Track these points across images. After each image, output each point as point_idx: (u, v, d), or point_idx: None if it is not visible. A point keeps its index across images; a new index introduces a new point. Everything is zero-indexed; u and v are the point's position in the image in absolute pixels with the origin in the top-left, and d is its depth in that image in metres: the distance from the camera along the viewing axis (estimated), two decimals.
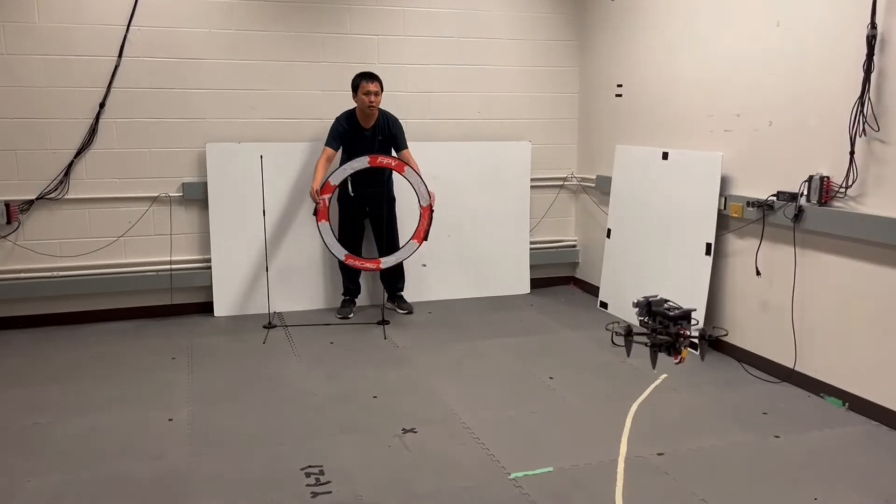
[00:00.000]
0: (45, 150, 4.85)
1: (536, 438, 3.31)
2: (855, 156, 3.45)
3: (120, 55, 4.88)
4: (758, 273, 4.10)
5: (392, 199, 5.20)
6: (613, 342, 3.14)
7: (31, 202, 4.87)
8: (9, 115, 4.75)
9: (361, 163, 4.77)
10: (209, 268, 5.21)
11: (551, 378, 4.03)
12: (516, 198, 5.80)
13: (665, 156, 4.78)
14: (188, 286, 5.21)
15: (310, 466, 3.03)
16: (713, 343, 4.42)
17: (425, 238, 4.91)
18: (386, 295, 5.34)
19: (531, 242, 5.91)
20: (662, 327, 2.83)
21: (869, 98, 3.37)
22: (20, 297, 4.90)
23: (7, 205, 4.78)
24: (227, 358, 4.39)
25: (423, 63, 5.50)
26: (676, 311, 2.83)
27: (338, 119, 4.95)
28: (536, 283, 5.96)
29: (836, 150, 3.55)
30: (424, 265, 5.59)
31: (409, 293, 5.46)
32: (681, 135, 4.72)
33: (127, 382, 3.98)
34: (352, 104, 4.96)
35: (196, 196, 5.15)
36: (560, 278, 6.17)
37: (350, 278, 5.29)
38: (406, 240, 5.03)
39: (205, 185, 5.12)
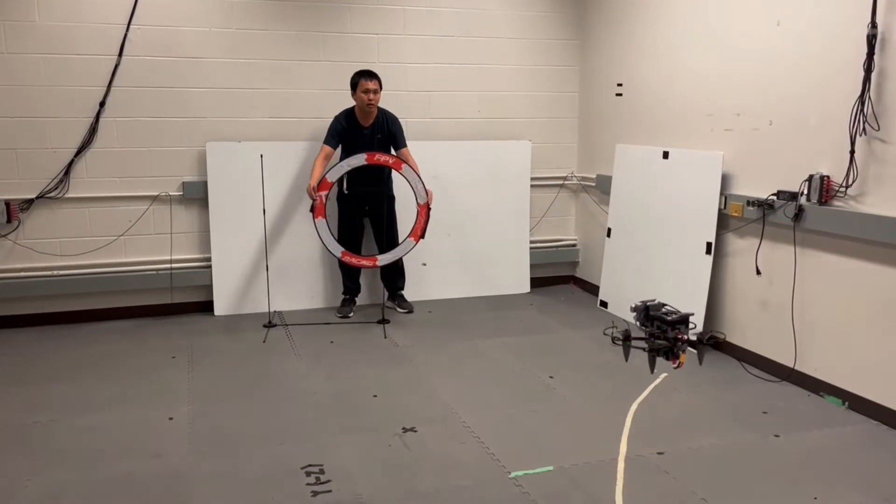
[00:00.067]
0: (45, 148, 4.85)
1: (536, 437, 3.31)
2: (855, 155, 3.45)
3: (120, 54, 4.88)
4: (758, 272, 4.10)
5: (392, 198, 5.20)
6: (613, 342, 3.14)
7: (31, 201, 4.88)
8: (9, 113, 4.75)
9: (359, 160, 4.77)
10: (209, 267, 5.21)
11: (551, 377, 4.03)
12: (516, 197, 5.80)
13: (665, 155, 4.78)
14: (188, 285, 5.22)
15: (310, 465, 3.03)
16: (713, 343, 4.43)
17: (422, 236, 4.91)
18: (386, 294, 5.34)
19: (531, 241, 5.91)
20: (660, 332, 2.82)
21: (869, 97, 3.36)
22: (20, 296, 4.91)
23: (7, 204, 4.78)
24: (227, 357, 4.39)
25: (424, 62, 5.50)
26: (674, 316, 2.82)
27: (337, 117, 4.95)
28: (536, 283, 5.96)
29: (837, 150, 3.55)
30: (424, 264, 5.59)
31: (410, 292, 5.46)
32: (681, 134, 4.72)
33: (127, 381, 3.98)
34: (352, 103, 4.96)
35: (196, 195, 5.15)
36: (560, 277, 6.17)
37: (350, 277, 5.29)
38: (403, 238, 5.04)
39: (205, 184, 5.12)
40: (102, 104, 4.90)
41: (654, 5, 4.94)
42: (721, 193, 4.29)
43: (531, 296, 5.80)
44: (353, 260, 4.97)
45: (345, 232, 5.13)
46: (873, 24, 3.31)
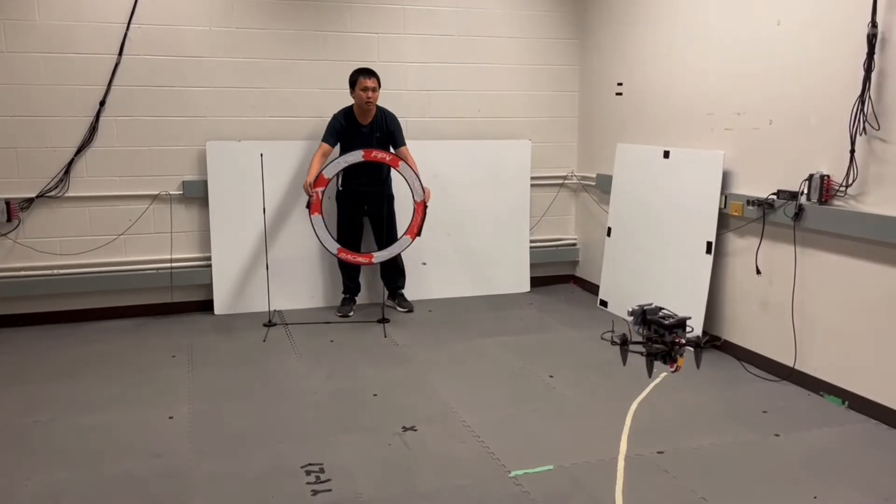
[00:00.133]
0: (45, 147, 4.85)
1: (536, 437, 3.31)
2: (855, 154, 3.45)
3: (120, 53, 4.88)
4: (758, 272, 4.10)
5: (391, 197, 5.20)
6: (612, 344, 3.14)
7: (31, 200, 4.88)
8: (9, 112, 4.75)
9: (356, 156, 4.77)
10: (209, 266, 5.21)
11: (551, 376, 4.03)
12: (516, 196, 5.80)
13: (666, 154, 4.78)
14: (188, 284, 5.22)
15: (310, 464, 3.03)
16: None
17: (418, 233, 4.91)
18: (386, 293, 5.34)
19: (531, 241, 5.91)
20: (658, 336, 2.82)
21: (869, 97, 3.36)
22: (20, 295, 4.90)
23: (7, 203, 4.78)
24: (227, 356, 4.39)
25: (424, 61, 5.50)
26: (671, 320, 2.82)
27: (335, 116, 4.95)
28: (536, 282, 5.96)
29: (837, 149, 3.55)
30: (425, 263, 5.60)
31: (410, 291, 5.46)
32: (681, 133, 4.72)
33: (127, 381, 3.98)
34: (351, 101, 4.96)
35: (196, 194, 5.15)
36: (560, 277, 6.17)
37: (349, 276, 5.29)
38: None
39: (205, 183, 5.12)
40: (102, 103, 4.90)
41: (655, 5, 4.94)
42: (721, 193, 4.29)
43: (531, 295, 5.81)
44: (350, 256, 4.96)
45: (344, 231, 5.14)
46: (873, 24, 3.31)
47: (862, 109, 3.38)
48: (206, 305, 5.26)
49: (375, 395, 3.79)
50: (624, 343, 2.87)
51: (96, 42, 4.84)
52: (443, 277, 5.66)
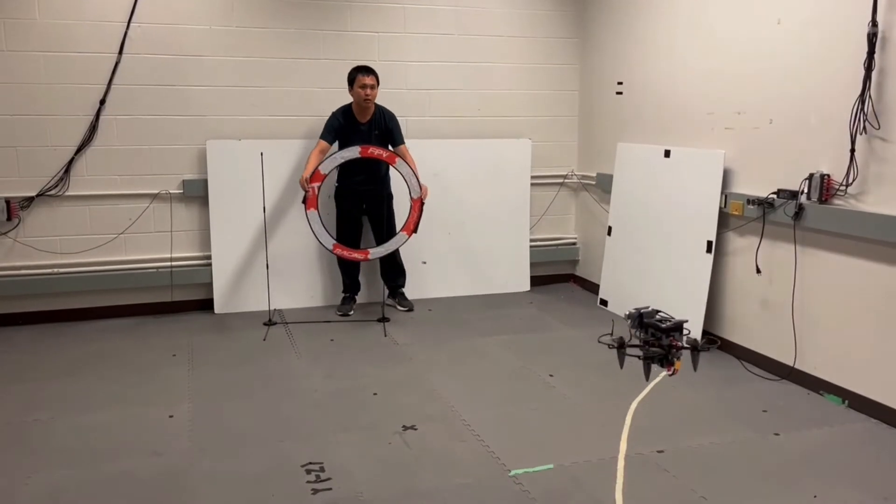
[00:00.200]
0: (45, 146, 4.85)
1: (536, 436, 3.31)
2: (855, 154, 3.45)
3: (120, 52, 4.88)
4: (758, 271, 4.10)
5: (390, 196, 5.20)
6: (610, 348, 3.14)
7: (31, 199, 4.88)
8: (9, 111, 4.75)
9: (353, 152, 4.77)
10: (209, 265, 5.21)
11: (551, 375, 4.03)
12: (516, 195, 5.80)
13: (667, 153, 4.78)
14: (188, 283, 5.22)
15: (310, 463, 3.03)
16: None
17: (415, 230, 4.91)
18: (387, 292, 5.34)
19: (531, 240, 5.91)
20: (655, 339, 2.83)
21: (870, 96, 3.36)
22: (20, 294, 4.91)
23: (7, 201, 4.78)
24: (227, 355, 4.39)
25: (424, 60, 5.50)
26: (668, 323, 2.83)
27: (334, 114, 4.95)
28: (536, 281, 5.96)
29: (837, 148, 3.55)
30: (425, 262, 5.60)
31: (410, 290, 5.46)
32: (681, 133, 4.72)
33: (127, 379, 3.99)
34: (350, 100, 4.96)
35: (196, 193, 5.15)
36: (560, 276, 6.17)
37: (349, 275, 5.29)
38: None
39: (205, 182, 5.12)
40: (103, 102, 4.90)
41: (655, 4, 4.93)
42: (721, 192, 4.29)
43: (531, 294, 5.81)
44: (345, 252, 4.96)
45: (343, 229, 5.14)
46: (874, 23, 3.31)
47: (862, 108, 3.38)
48: (206, 304, 5.26)
49: (375, 394, 3.79)
50: (621, 346, 2.87)
51: (96, 41, 4.84)
52: (443, 276, 5.66)
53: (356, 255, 5.00)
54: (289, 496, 2.79)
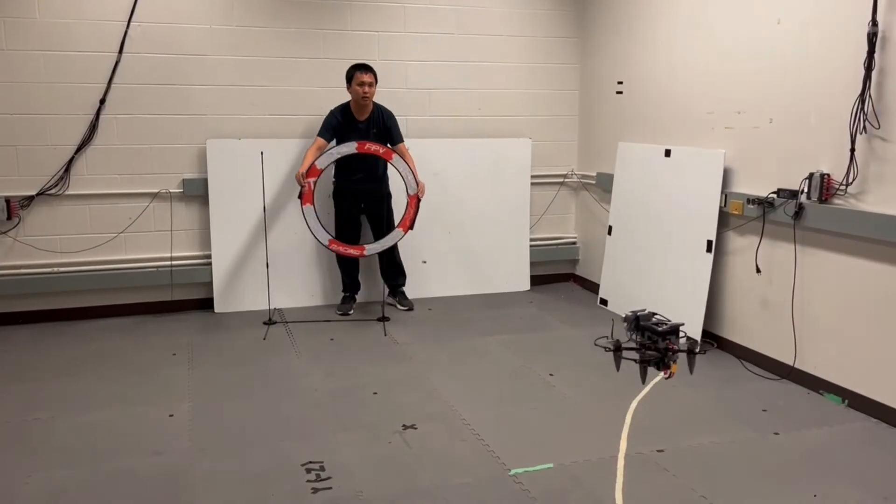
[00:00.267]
0: (45, 145, 4.85)
1: (536, 435, 3.31)
2: (855, 153, 3.45)
3: (120, 51, 4.88)
4: (758, 270, 4.10)
5: (388, 196, 5.20)
6: (607, 348, 3.14)
7: (31, 198, 4.87)
8: (9, 110, 4.75)
9: (349, 148, 4.77)
10: (209, 264, 5.21)
11: (551, 375, 4.04)
12: (516, 195, 5.80)
13: (668, 153, 4.78)
14: (188, 282, 5.22)
15: (310, 462, 3.03)
16: (713, 340, 4.44)
17: (411, 227, 4.91)
18: (387, 291, 5.34)
19: (531, 239, 5.91)
20: (651, 342, 2.83)
21: (870, 95, 3.37)
22: (20, 293, 4.91)
23: (7, 201, 4.78)
24: (227, 354, 4.39)
25: (424, 59, 5.50)
26: (665, 327, 2.83)
27: (332, 112, 4.95)
28: (536, 280, 5.96)
29: (837, 148, 3.55)
30: (425, 262, 5.60)
31: (410, 290, 5.46)
32: (681, 132, 4.72)
33: (127, 379, 3.99)
34: (349, 98, 4.96)
35: (196, 192, 5.15)
36: (560, 275, 6.17)
37: (349, 275, 5.29)
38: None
39: (205, 181, 5.12)
40: (103, 101, 4.90)
41: (655, 3, 4.93)
42: (721, 191, 4.29)
43: (531, 294, 5.81)
44: (341, 248, 4.96)
45: (342, 229, 5.14)
46: (874, 23, 3.31)
47: (862, 108, 3.38)
48: (206, 303, 5.26)
49: (375, 393, 3.79)
50: (617, 349, 2.88)
51: (96, 40, 4.83)
52: (443, 276, 5.66)
53: (352, 251, 4.99)
54: (289, 495, 2.79)
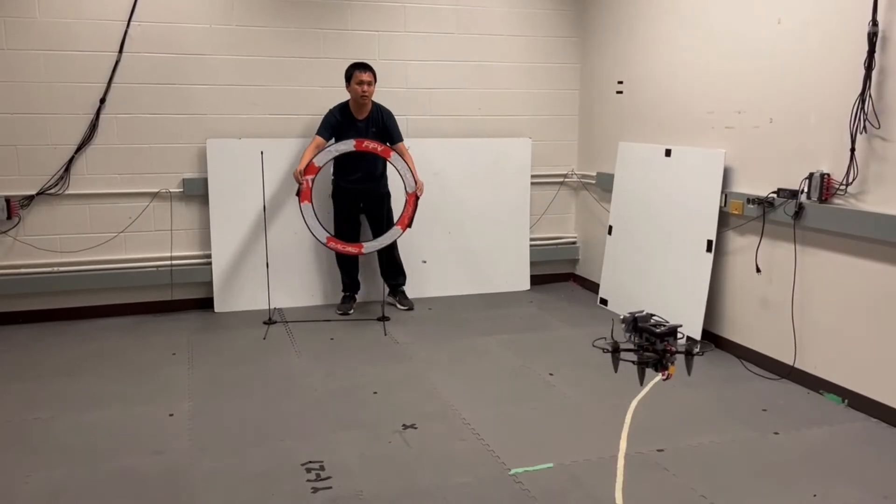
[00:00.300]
0: (45, 145, 4.85)
1: (536, 434, 3.31)
2: (856, 153, 3.45)
3: (120, 51, 4.88)
4: (758, 270, 4.10)
5: (387, 195, 5.20)
6: (605, 350, 3.14)
7: (31, 197, 4.88)
8: (9, 110, 4.75)
9: (347, 145, 4.77)
10: (209, 263, 5.21)
11: (551, 374, 4.04)
12: (516, 194, 5.80)
13: (668, 153, 4.78)
14: (188, 282, 5.22)
15: (310, 462, 3.03)
16: (713, 339, 4.44)
17: (409, 225, 4.91)
18: (387, 290, 5.34)
19: (531, 239, 5.91)
20: (649, 344, 2.84)
21: (870, 95, 3.37)
22: (20, 293, 4.91)
23: (7, 200, 4.78)
24: (227, 354, 4.39)
25: (424, 59, 5.50)
26: (662, 328, 2.84)
27: (331, 110, 4.95)
28: (536, 280, 5.96)
29: (837, 148, 3.55)
30: (425, 261, 5.60)
31: (410, 289, 5.46)
32: (682, 132, 4.72)
33: (127, 378, 3.99)
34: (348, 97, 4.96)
35: (196, 192, 5.15)
36: (560, 275, 6.17)
37: (349, 274, 5.29)
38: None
39: (205, 180, 5.12)
40: (103, 101, 4.90)
41: (655, 3, 4.93)
42: (722, 191, 4.29)
43: (531, 293, 5.81)
44: (339, 246, 4.96)
45: (342, 229, 5.14)
46: (874, 23, 3.31)
47: (862, 108, 3.38)
48: (206, 303, 5.26)
49: (375, 392, 3.79)
50: (615, 351, 2.89)
51: (97, 39, 4.83)
52: (443, 275, 5.66)
53: (350, 249, 4.99)
54: (289, 495, 2.79)
